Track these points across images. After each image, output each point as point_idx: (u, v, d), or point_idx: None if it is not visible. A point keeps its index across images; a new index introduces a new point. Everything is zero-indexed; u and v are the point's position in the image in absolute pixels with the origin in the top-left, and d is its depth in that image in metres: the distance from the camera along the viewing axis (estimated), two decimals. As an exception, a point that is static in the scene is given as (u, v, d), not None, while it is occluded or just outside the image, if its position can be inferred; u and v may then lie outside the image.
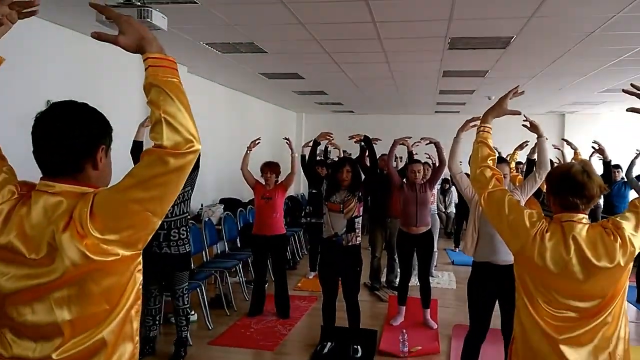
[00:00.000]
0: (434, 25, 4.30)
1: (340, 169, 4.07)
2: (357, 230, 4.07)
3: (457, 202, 9.19)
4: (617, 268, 1.79)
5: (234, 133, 8.18)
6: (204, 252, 5.49)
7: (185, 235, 3.91)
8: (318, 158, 7.19)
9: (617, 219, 1.86)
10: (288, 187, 5.04)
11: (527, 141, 5.12)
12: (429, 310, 4.88)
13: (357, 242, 4.09)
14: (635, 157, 6.47)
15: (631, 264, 1.85)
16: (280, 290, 5.03)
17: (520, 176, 5.19)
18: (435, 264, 7.16)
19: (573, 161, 2.04)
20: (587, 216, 1.92)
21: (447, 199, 9.81)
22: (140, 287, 1.33)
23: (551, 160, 5.63)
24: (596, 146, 4.88)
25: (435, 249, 6.93)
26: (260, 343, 4.38)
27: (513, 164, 5.05)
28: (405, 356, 4.07)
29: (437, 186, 9.18)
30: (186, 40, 4.84)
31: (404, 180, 5.05)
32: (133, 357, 1.33)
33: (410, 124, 11.52)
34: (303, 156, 6.60)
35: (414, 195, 4.84)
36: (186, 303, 4.01)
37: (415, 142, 5.62)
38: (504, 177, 3.41)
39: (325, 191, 4.15)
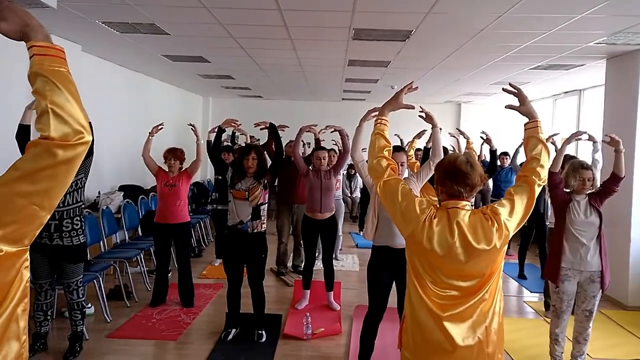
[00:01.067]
0: (339, 16, 4.38)
1: (245, 156, 4.04)
2: (262, 218, 4.09)
3: (362, 187, 9.50)
4: (493, 250, 1.97)
5: (135, 117, 7.78)
6: (101, 242, 5.22)
7: (79, 226, 3.68)
8: (225, 144, 7.10)
9: (495, 205, 2.05)
10: (193, 175, 4.91)
11: (424, 130, 5.42)
12: (332, 293, 5.05)
13: (263, 229, 4.11)
14: (520, 145, 7.08)
15: (506, 246, 2.05)
16: (183, 278, 4.92)
17: (418, 163, 5.48)
18: (340, 247, 7.40)
19: (458, 152, 2.21)
20: (470, 203, 2.09)
21: (352, 184, 10.12)
22: (28, 284, 1.25)
23: (446, 148, 6.05)
24: (484, 136, 5.31)
25: (340, 233, 7.17)
26: (163, 333, 4.28)
27: (412, 152, 5.31)
28: (309, 338, 4.19)
29: (343, 171, 9.45)
30: (80, 17, 4.51)
31: (310, 167, 5.14)
32: (20, 356, 1.26)
33: (318, 110, 11.74)
34: (209, 142, 6.46)
35: (318, 181, 4.95)
36: (81, 296, 3.80)
37: (321, 130, 5.73)
38: (402, 164, 3.61)
39: (231, 178, 4.11)
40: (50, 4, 2.82)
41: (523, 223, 2.08)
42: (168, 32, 5.07)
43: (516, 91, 2.27)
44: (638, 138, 5.32)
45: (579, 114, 8.73)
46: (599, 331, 4.51)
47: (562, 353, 3.75)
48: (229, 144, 7.21)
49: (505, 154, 7.70)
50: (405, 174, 3.72)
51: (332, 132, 5.15)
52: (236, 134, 7.79)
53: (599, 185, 3.82)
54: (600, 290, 3.61)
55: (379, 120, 2.30)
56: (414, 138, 5.68)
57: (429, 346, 2.03)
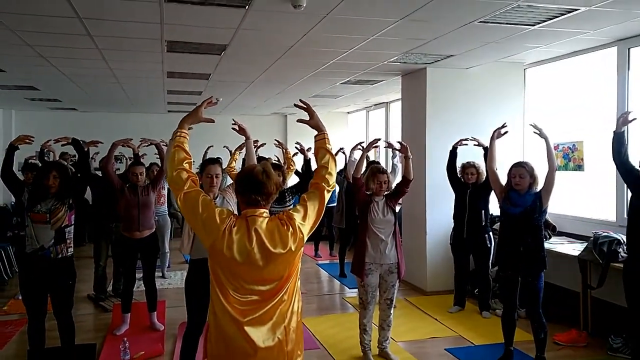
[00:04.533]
0: (148, 27, 4.26)
1: (45, 174, 3.69)
2: (68, 241, 3.76)
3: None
4: (289, 253, 2.12)
5: None
6: None
7: None
8: (30, 162, 6.37)
9: (291, 211, 2.21)
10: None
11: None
12: (155, 313, 4.86)
13: (69, 253, 3.78)
14: (335, 154, 7.65)
15: (302, 249, 2.21)
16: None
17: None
18: (168, 264, 7.15)
19: (256, 164, 2.33)
20: (267, 210, 2.21)
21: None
22: None
23: (277, 161, 6.30)
24: (298, 146, 5.71)
25: (167, 250, 6.94)
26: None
27: (233, 163, 5.38)
28: (128, 364, 3.98)
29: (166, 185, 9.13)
30: None
31: (127, 183, 4.89)
32: None
33: (141, 122, 11.16)
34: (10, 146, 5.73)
35: (135, 198, 4.74)
36: None
37: (140, 144, 5.51)
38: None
39: (27, 200, 3.71)
40: None
41: (316, 226, 2.28)
42: (-57, 36, 4.41)
43: (306, 106, 2.49)
44: (427, 144, 6.13)
45: (386, 123, 9.82)
46: (402, 317, 5.11)
47: (370, 341, 4.15)
48: (36, 161, 6.49)
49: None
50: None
51: (147, 146, 4.98)
52: (45, 151, 7.05)
53: (393, 187, 4.32)
54: (398, 280, 4.10)
55: (179, 133, 2.31)
56: (235, 150, 5.71)
57: (231, 353, 2.09)
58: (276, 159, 7.63)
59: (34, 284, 3.71)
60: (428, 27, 4.36)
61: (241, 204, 2.23)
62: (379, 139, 4.48)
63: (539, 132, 3.92)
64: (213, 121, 2.49)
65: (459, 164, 5.41)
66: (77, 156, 4.80)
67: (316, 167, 2.40)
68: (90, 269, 5.97)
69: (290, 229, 2.13)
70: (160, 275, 6.75)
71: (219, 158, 5.27)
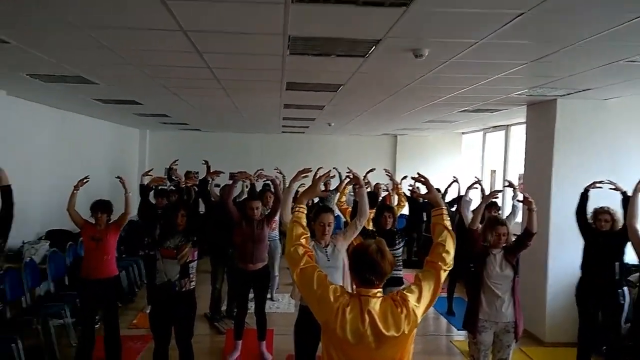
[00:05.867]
0: (270, 74, 4.47)
1: (175, 213, 4.01)
2: (191, 275, 4.04)
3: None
4: (402, 336, 2.07)
5: (65, 155, 7.52)
6: (24, 298, 4.97)
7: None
8: (160, 187, 6.95)
9: (405, 292, 2.15)
10: (121, 228, 4.77)
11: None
12: (264, 342, 5.03)
13: (192, 286, 4.06)
14: (449, 185, 7.40)
15: (415, 330, 2.15)
16: (110, 334, 4.72)
17: (350, 209, 5.54)
18: (277, 286, 7.37)
19: (371, 241, 2.30)
20: (381, 289, 2.18)
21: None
22: None
23: (376, 193, 6.22)
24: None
25: (276, 273, 7.15)
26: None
27: (344, 197, 5.40)
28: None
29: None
30: (4, 73, 4.38)
31: (243, 215, 5.11)
32: None
33: (257, 141, 11.78)
34: (142, 185, 6.32)
35: (251, 232, 4.93)
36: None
37: (256, 172, 5.77)
38: (329, 225, 3.66)
39: (159, 236, 4.05)
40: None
41: (430, 307, 2.20)
42: (96, 82, 4.98)
43: (424, 180, 2.41)
44: (553, 181, 5.64)
45: (506, 148, 9.26)
46: (518, 372, 4.75)
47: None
48: (165, 185, 7.06)
49: (437, 190, 7.94)
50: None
51: (264, 181, 5.18)
52: (173, 168, 7.68)
53: (513, 239, 4.04)
54: (515, 340, 3.82)
55: (297, 208, 2.38)
56: (345, 185, 5.74)
57: None
58: (385, 188, 7.56)
59: (160, 314, 4.03)
60: (562, 66, 4.02)
61: (354, 281, 2.22)
62: (500, 191, 4.23)
63: None
64: (329, 193, 2.52)
65: (590, 208, 4.91)
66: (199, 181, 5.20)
67: (433, 243, 2.31)
68: (206, 285, 6.32)
69: (404, 311, 2.08)
70: (269, 297, 6.98)
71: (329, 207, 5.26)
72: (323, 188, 2.52)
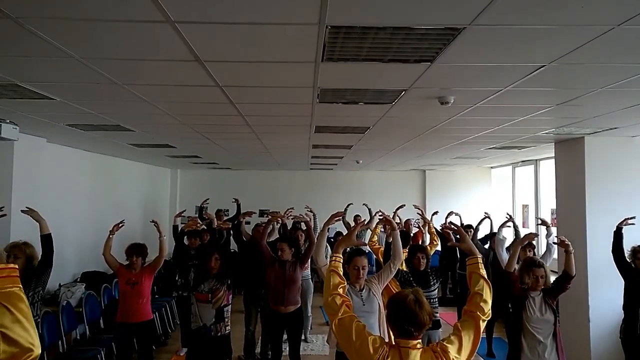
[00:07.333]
0: (300, 119, 4.58)
1: (209, 257, 4.08)
2: (226, 320, 4.08)
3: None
4: (444, 388, 2.04)
5: (100, 197, 7.76)
6: (60, 342, 5.06)
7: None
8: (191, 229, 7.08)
9: (445, 342, 2.14)
10: (155, 270, 4.86)
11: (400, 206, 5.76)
12: (299, 388, 4.97)
13: (227, 331, 4.09)
14: (479, 223, 7.29)
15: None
16: (146, 378, 4.78)
17: (382, 248, 5.52)
18: (310, 327, 7.30)
19: (407, 290, 2.29)
20: (420, 341, 2.17)
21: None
22: None
23: (408, 233, 6.18)
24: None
25: (309, 314, 7.10)
26: None
27: (375, 237, 5.36)
28: None
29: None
30: (46, 122, 4.60)
31: (275, 256, 5.13)
32: None
33: (286, 178, 11.92)
34: (175, 227, 6.44)
35: (282, 273, 4.93)
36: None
37: (287, 210, 5.82)
38: (363, 268, 3.63)
39: (193, 280, 4.12)
40: (12, 137, 2.90)
41: (472, 357, 2.17)
42: (133, 130, 5.18)
43: (456, 228, 2.42)
44: (588, 218, 5.53)
45: (536, 182, 9.13)
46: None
47: None
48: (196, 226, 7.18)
49: (468, 226, 7.81)
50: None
51: (292, 219, 5.20)
52: (204, 207, 7.83)
53: (552, 281, 3.95)
54: (559, 388, 3.69)
55: (334, 258, 2.40)
56: (377, 225, 5.75)
57: None
58: (416, 225, 7.51)
59: (196, 359, 4.06)
60: (587, 108, 4.02)
61: (393, 332, 2.21)
62: (536, 235, 4.16)
63: None
64: (365, 244, 2.55)
65: (628, 246, 4.78)
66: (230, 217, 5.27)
67: (470, 292, 2.30)
68: (240, 324, 6.30)
69: (445, 362, 2.06)
70: (303, 338, 6.91)
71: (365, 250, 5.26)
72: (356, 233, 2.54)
